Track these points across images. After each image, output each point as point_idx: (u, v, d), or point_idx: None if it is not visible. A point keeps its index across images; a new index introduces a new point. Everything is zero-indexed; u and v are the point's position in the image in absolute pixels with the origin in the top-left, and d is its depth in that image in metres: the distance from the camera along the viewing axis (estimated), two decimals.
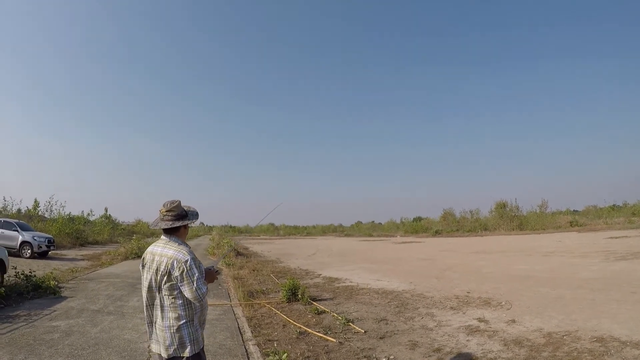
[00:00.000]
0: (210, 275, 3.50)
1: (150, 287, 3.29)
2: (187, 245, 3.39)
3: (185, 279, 3.10)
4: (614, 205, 44.66)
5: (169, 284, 3.17)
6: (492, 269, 15.98)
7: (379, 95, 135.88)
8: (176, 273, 3.12)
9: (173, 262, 3.15)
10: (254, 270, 17.29)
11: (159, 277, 3.22)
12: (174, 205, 3.43)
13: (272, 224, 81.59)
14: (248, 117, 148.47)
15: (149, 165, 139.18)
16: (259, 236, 67.15)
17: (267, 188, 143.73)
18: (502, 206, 44.97)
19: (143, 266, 3.41)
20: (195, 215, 3.60)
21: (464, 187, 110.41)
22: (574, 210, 46.80)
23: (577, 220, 38.90)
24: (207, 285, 3.25)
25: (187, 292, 3.12)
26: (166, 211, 3.40)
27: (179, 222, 3.38)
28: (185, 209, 3.55)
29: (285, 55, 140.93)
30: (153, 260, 3.32)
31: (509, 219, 42.78)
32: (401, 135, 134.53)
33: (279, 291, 11.77)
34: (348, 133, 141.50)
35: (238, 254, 25.20)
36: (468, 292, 11.22)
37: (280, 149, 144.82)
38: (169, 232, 3.39)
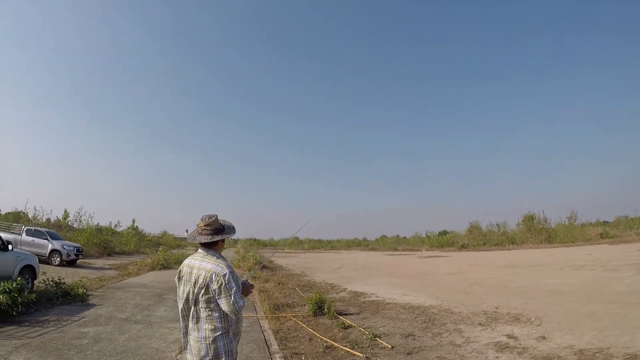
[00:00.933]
0: (245, 289, 3.55)
1: (187, 299, 3.33)
2: (224, 259, 3.43)
3: (223, 292, 3.14)
4: None
5: (207, 296, 3.21)
6: (521, 284, 15.68)
7: (403, 109, 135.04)
8: (214, 286, 3.16)
9: (212, 275, 3.20)
10: (279, 284, 17.31)
11: (196, 290, 3.26)
12: (212, 219, 3.47)
13: (297, 238, 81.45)
14: (271, 128, 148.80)
15: (175, 178, 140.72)
16: (283, 249, 67.19)
17: (290, 201, 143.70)
18: (529, 219, 44.09)
19: (179, 278, 3.45)
20: (231, 230, 3.63)
21: (490, 199, 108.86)
22: (604, 221, 45.58)
23: (608, 231, 37.71)
24: (244, 299, 3.30)
25: (225, 305, 3.15)
26: (205, 225, 3.44)
27: (217, 236, 3.42)
28: (222, 223, 3.59)
29: (313, 70, 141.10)
30: (191, 273, 3.35)
31: (537, 232, 41.88)
32: (425, 147, 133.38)
33: (304, 305, 11.81)
34: (370, 146, 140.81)
35: (263, 267, 25.27)
36: (496, 308, 11.05)
37: (305, 161, 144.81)
38: (206, 245, 3.43)
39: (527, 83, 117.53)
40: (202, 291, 3.21)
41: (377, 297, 13.88)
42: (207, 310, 3.23)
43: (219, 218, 3.58)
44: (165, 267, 24.72)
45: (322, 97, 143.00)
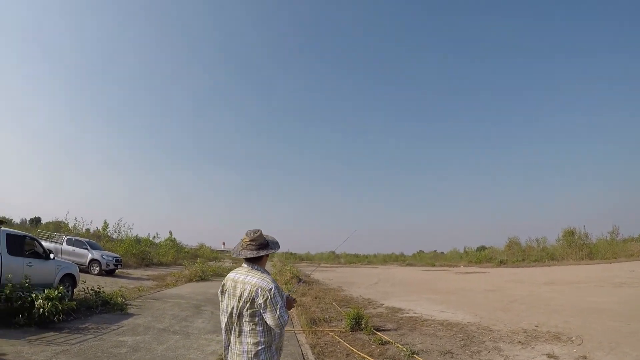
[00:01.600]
0: (289, 303, 3.60)
1: (230, 313, 3.35)
2: (269, 273, 3.46)
3: (268, 306, 3.17)
4: None
5: (251, 310, 3.24)
6: (561, 301, 15.34)
7: (445, 124, 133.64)
8: (260, 300, 3.20)
9: (257, 289, 3.23)
10: (316, 298, 17.33)
11: (241, 304, 3.28)
12: (257, 234, 3.51)
13: (333, 252, 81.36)
14: (310, 142, 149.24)
15: (212, 191, 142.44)
16: (319, 264, 67.09)
17: (327, 216, 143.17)
18: (570, 234, 42.87)
19: (223, 292, 3.48)
20: (276, 245, 3.66)
21: (529, 214, 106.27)
22: None
23: None
24: (288, 313, 3.31)
25: (270, 320, 3.18)
26: (250, 240, 3.48)
27: (262, 251, 3.47)
28: (266, 238, 3.63)
29: (357, 82, 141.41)
30: (235, 287, 3.38)
31: (578, 248, 40.64)
32: (463, 162, 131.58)
33: (341, 319, 11.83)
34: (409, 160, 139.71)
35: (299, 281, 25.26)
36: (536, 326, 10.86)
37: (342, 176, 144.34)
38: (251, 260, 3.47)
39: (565, 98, 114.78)
40: (247, 305, 3.24)
41: (414, 313, 13.78)
42: (250, 324, 3.26)
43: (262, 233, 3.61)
44: (202, 279, 24.96)
45: (366, 110, 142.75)
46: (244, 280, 3.36)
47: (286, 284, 22.00)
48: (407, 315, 13.40)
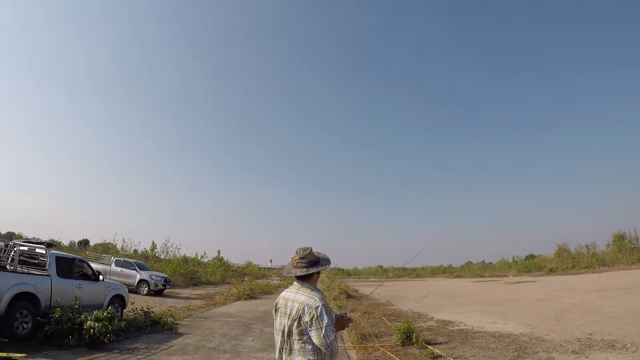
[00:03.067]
0: (341, 322, 3.51)
1: (282, 332, 3.34)
2: (319, 291, 3.45)
3: (314, 324, 3.14)
4: None
5: (300, 328, 3.21)
6: (614, 308, 14.77)
7: (492, 136, 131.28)
8: (306, 318, 3.16)
9: (304, 307, 3.20)
10: (365, 313, 17.21)
11: (290, 322, 3.26)
12: (307, 252, 3.49)
13: (381, 266, 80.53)
14: (356, 160, 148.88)
15: (260, 208, 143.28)
16: (367, 278, 66.55)
17: (372, 230, 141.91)
18: (620, 238, 41.25)
19: (276, 311, 3.49)
20: (327, 261, 3.62)
21: (577, 219, 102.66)
22: None
23: None
24: (335, 332, 3.23)
25: (315, 338, 3.14)
26: (299, 258, 3.47)
27: (312, 268, 3.45)
28: (317, 255, 3.60)
29: (404, 103, 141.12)
30: (286, 305, 3.37)
31: (629, 252, 38.92)
32: (511, 172, 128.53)
33: (391, 334, 11.73)
34: (456, 172, 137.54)
35: (348, 296, 25.19)
36: (590, 334, 10.54)
37: (389, 191, 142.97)
38: (301, 278, 3.46)
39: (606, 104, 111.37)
40: (295, 323, 3.22)
41: (465, 325, 13.56)
42: (300, 342, 3.23)
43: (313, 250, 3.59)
44: (251, 297, 25.06)
45: (413, 126, 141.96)
46: (293, 298, 3.37)
47: (335, 299, 21.98)
48: (458, 327, 13.21)
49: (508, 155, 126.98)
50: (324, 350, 3.21)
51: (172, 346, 10.05)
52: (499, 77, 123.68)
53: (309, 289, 3.40)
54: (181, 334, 11.76)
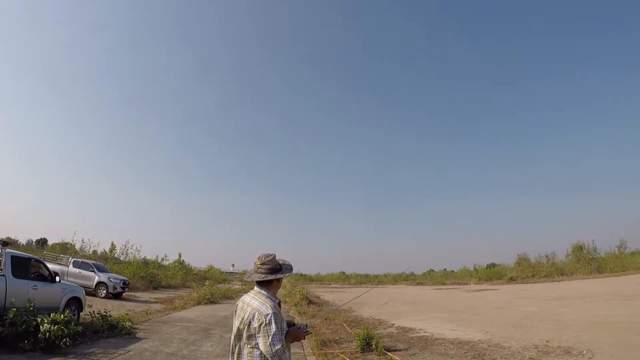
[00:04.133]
0: (297, 333, 3.51)
1: (235, 334, 3.37)
2: (275, 299, 3.44)
3: (262, 331, 3.15)
4: None
5: (248, 333, 3.24)
6: (572, 316, 15.22)
7: (459, 145, 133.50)
8: (255, 324, 3.18)
9: (255, 313, 3.22)
10: (326, 319, 17.10)
11: (241, 326, 3.30)
12: (269, 259, 3.50)
13: (343, 272, 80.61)
14: (321, 165, 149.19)
15: (223, 213, 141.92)
16: (329, 284, 66.61)
17: (337, 236, 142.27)
18: (578, 249, 42.68)
19: (235, 312, 3.50)
20: (288, 269, 3.62)
21: (537, 230, 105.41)
22: None
23: None
24: (283, 343, 3.20)
25: (262, 345, 3.15)
26: (260, 264, 3.47)
27: (271, 275, 3.44)
28: (280, 262, 3.60)
29: (368, 106, 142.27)
30: (242, 308, 3.40)
31: (587, 262, 40.38)
32: (472, 181, 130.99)
33: (352, 341, 11.73)
34: (420, 180, 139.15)
35: (309, 302, 25.09)
36: (547, 341, 10.79)
37: (353, 197, 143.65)
38: (260, 284, 3.46)
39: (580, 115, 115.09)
40: (246, 327, 3.25)
41: (425, 332, 13.70)
42: (248, 347, 3.26)
43: (276, 257, 3.59)
44: (211, 301, 24.68)
45: (379, 130, 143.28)
46: (248, 302, 3.39)
47: (296, 305, 21.89)
48: (418, 334, 13.32)
49: (471, 164, 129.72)
50: (270, 359, 3.18)
51: (129, 351, 9.82)
52: (457, 85, 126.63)
53: (265, 296, 3.40)
54: (139, 339, 11.51)
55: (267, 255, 3.54)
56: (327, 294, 36.86)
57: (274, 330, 3.15)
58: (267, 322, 3.15)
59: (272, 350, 3.11)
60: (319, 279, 79.49)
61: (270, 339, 3.12)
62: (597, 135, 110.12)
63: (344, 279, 75.90)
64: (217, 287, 33.20)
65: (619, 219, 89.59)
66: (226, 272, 74.54)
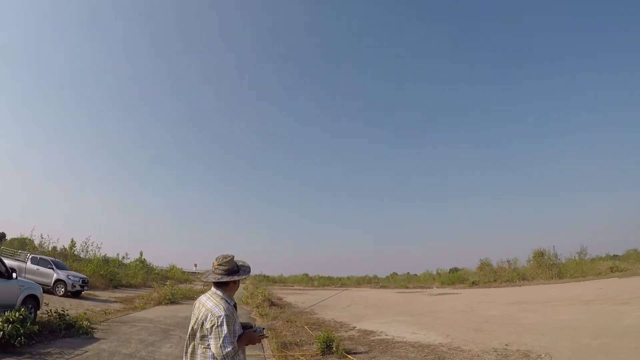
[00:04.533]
0: (251, 336, 3.50)
1: (189, 334, 3.36)
2: (230, 301, 3.44)
3: (213, 333, 3.15)
4: None
5: (201, 334, 3.24)
6: (532, 320, 15.45)
7: (414, 149, 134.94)
8: (207, 325, 3.18)
9: (208, 314, 3.22)
10: (287, 321, 17.03)
11: (195, 326, 3.30)
12: (226, 260, 3.50)
13: (306, 275, 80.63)
14: (282, 167, 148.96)
15: (187, 213, 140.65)
16: (292, 286, 66.53)
17: (300, 238, 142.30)
18: (539, 254, 43.60)
19: (192, 312, 3.48)
20: (246, 271, 3.63)
21: (500, 236, 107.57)
22: (614, 255, 45.23)
23: (618, 265, 37.29)
24: (234, 345, 3.21)
25: (213, 347, 3.16)
26: (217, 265, 3.47)
27: (227, 277, 3.44)
28: (239, 264, 3.61)
29: (326, 113, 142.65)
30: (197, 308, 3.41)
31: (548, 268, 41.33)
32: (436, 186, 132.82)
33: (313, 343, 11.66)
34: (379, 182, 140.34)
35: (272, 304, 24.93)
36: (506, 345, 10.91)
37: (315, 198, 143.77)
38: (217, 285, 3.46)
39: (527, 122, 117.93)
40: (199, 328, 3.26)
41: (386, 335, 13.72)
42: (202, 347, 3.25)
43: (235, 259, 3.60)
44: (172, 302, 24.29)
45: (340, 137, 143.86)
46: (204, 302, 3.39)
47: (258, 307, 21.71)
48: (379, 337, 13.34)
49: (436, 167, 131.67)
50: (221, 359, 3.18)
51: (86, 351, 9.59)
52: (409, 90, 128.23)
53: (220, 297, 3.40)
54: (97, 339, 11.25)
55: (225, 257, 3.55)
56: (290, 296, 36.71)
57: (225, 332, 3.16)
58: (219, 323, 3.16)
59: (222, 352, 3.13)
60: (282, 281, 79.34)
61: (221, 341, 3.13)
62: (550, 141, 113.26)
63: (307, 281, 75.93)
64: (178, 287, 32.82)
65: (580, 225, 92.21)
66: (188, 272, 73.57)
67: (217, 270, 3.46)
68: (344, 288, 57.93)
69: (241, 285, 39.87)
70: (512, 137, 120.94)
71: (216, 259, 3.52)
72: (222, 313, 3.20)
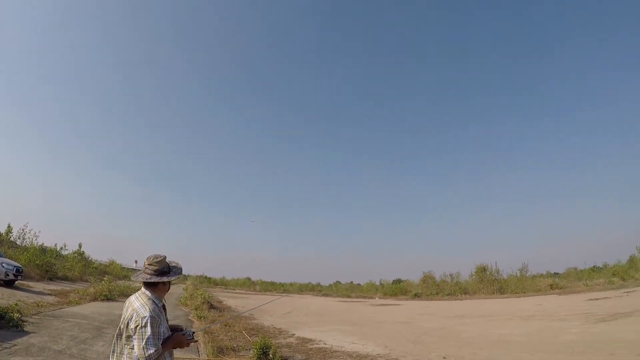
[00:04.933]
0: (178, 340, 3.45)
1: (117, 333, 3.37)
2: (158, 302, 3.42)
3: (137, 334, 3.12)
4: (594, 266, 44.96)
5: (127, 334, 3.23)
6: (471, 334, 15.64)
7: (364, 159, 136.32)
8: (132, 325, 3.17)
9: (134, 314, 3.22)
10: (226, 325, 16.67)
11: (122, 325, 3.30)
12: (157, 260, 3.51)
13: (249, 278, 79.93)
14: (229, 170, 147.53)
15: (128, 208, 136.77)
16: (234, 290, 65.80)
17: (243, 241, 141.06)
18: (482, 270, 44.83)
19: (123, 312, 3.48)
20: (177, 272, 3.62)
21: (444, 250, 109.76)
22: (554, 273, 47.07)
23: (558, 282, 38.85)
24: (157, 348, 3.15)
25: (136, 348, 3.12)
26: (148, 264, 3.51)
27: (156, 277, 3.44)
28: (170, 265, 3.63)
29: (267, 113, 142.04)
30: (126, 307, 3.43)
31: (489, 283, 42.55)
32: (382, 197, 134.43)
33: (250, 349, 11.43)
34: (327, 194, 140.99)
35: (211, 307, 24.47)
36: (444, 358, 10.92)
37: (261, 203, 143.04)
38: (146, 285, 3.46)
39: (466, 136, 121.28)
40: (125, 327, 3.24)
41: (325, 344, 13.57)
42: (127, 347, 3.22)
43: (167, 259, 3.61)
44: (108, 298, 23.43)
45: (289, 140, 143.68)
46: (132, 302, 3.40)
47: (197, 309, 21.19)
48: (317, 346, 13.21)
49: (382, 178, 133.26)
50: None
51: (15, 345, 9.24)
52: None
53: (147, 297, 3.40)
54: (27, 333, 10.82)
55: (156, 256, 3.56)
56: (231, 300, 36.18)
57: (149, 333, 3.14)
58: (143, 324, 3.15)
59: (144, 354, 3.10)
60: (223, 283, 78.39)
61: (144, 342, 3.11)
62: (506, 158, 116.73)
63: (249, 284, 75.33)
64: (116, 283, 31.60)
65: (523, 243, 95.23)
66: (128, 268, 71.55)
67: (147, 270, 3.47)
68: (286, 294, 57.74)
69: (181, 286, 39.35)
70: (451, 152, 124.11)
71: (147, 259, 3.53)
72: (147, 314, 3.17)
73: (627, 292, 24.30)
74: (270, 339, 11.43)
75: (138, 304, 3.28)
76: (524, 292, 37.68)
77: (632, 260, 37.60)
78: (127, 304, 3.44)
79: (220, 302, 31.98)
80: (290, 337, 15.31)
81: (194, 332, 3.60)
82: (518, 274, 43.51)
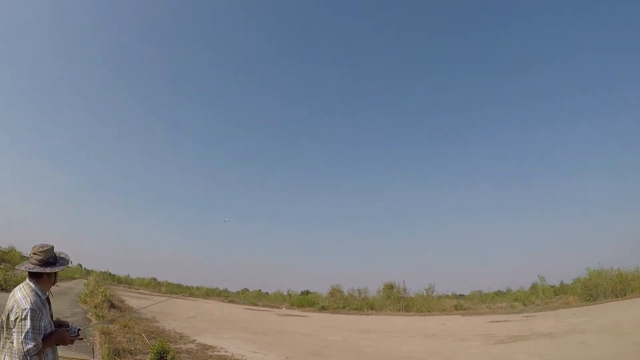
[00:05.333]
0: (62, 336, 3.33)
1: None
2: (42, 294, 3.29)
3: (17, 326, 3.01)
4: (498, 291, 47.75)
5: (9, 327, 3.12)
6: (374, 348, 15.97)
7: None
8: (12, 317, 3.08)
9: (14, 305, 3.11)
10: (125, 327, 15.99)
11: (4, 317, 3.18)
12: (43, 250, 3.38)
13: (154, 279, 77.53)
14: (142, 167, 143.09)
15: (39, 190, 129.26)
16: (138, 289, 63.58)
17: (154, 239, 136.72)
18: (389, 287, 45.97)
19: None
20: (63, 264, 3.52)
21: (354, 266, 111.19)
22: (459, 295, 49.33)
23: (462, 304, 40.71)
24: (37, 342, 3.04)
25: (15, 341, 3.01)
26: (33, 254, 3.37)
27: (39, 267, 3.32)
28: (58, 255, 3.51)
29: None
30: (9, 298, 3.27)
31: (396, 300, 43.72)
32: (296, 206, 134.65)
33: (147, 353, 11.12)
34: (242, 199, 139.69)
35: (112, 306, 23.54)
36: None
37: (176, 202, 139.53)
38: (30, 275, 3.33)
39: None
40: (6, 320, 3.13)
41: (226, 352, 13.42)
42: (8, 341, 3.11)
43: (55, 249, 3.49)
44: (2, 288, 21.81)
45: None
46: (14, 292, 3.29)
47: (96, 307, 20.28)
48: (218, 353, 13.07)
49: (299, 189, 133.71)
50: (20, 358, 3.07)
51: None
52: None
53: (30, 289, 3.28)
54: None
55: (42, 246, 3.43)
56: (134, 300, 34.86)
57: (29, 327, 3.02)
58: (23, 317, 3.03)
59: (23, 348, 2.99)
60: (128, 282, 75.53)
61: (23, 336, 3.00)
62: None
63: (154, 285, 73.04)
64: (14, 272, 29.58)
65: (431, 264, 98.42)
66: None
67: (31, 260, 3.35)
68: (191, 298, 56.69)
69: (82, 281, 37.30)
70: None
71: (33, 248, 3.39)
72: (28, 306, 3.06)
73: (527, 316, 25.65)
74: (170, 344, 11.30)
75: (20, 295, 3.17)
76: (429, 311, 38.99)
77: (534, 287, 39.97)
78: (10, 295, 3.31)
79: (122, 301, 30.80)
80: (191, 342, 15.01)
81: (79, 330, 3.48)
82: (424, 294, 45.00)
